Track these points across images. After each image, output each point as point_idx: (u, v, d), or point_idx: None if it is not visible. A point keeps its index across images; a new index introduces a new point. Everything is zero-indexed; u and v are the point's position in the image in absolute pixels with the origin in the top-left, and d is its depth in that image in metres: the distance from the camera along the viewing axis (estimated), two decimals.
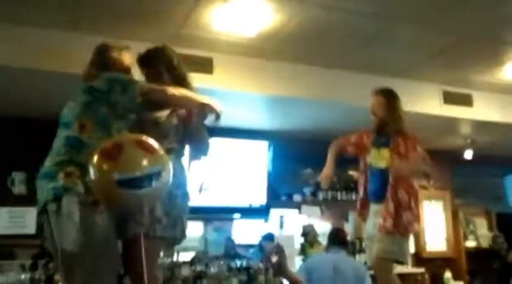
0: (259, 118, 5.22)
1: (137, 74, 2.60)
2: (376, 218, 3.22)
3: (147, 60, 2.60)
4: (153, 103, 2.43)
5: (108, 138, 2.20)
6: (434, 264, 6.25)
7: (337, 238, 4.38)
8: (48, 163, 2.23)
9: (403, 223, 3.09)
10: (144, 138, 2.17)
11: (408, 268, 6.04)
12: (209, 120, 2.53)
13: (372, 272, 4.14)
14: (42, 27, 3.62)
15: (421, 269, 6.09)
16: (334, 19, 3.63)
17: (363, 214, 3.43)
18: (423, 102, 5.01)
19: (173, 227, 2.43)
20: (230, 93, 4.22)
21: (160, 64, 2.57)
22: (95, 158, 2.05)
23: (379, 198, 3.20)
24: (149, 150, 2.14)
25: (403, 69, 4.66)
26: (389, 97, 3.34)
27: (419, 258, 6.32)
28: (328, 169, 3.40)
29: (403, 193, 3.13)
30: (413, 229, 3.18)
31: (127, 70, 2.53)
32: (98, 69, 2.45)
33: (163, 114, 2.55)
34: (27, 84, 3.96)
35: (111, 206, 2.21)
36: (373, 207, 3.28)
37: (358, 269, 4.41)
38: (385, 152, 3.27)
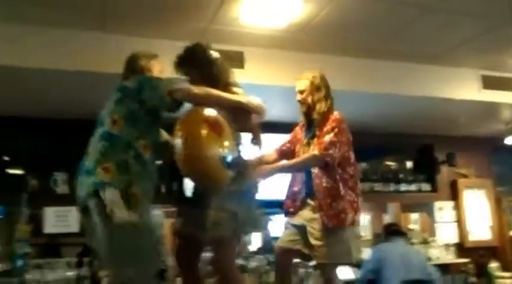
0: (294, 111, 5.19)
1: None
2: (312, 214, 2.97)
3: (183, 62, 2.62)
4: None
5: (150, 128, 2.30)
6: (478, 254, 6.09)
7: (396, 229, 4.69)
8: (86, 160, 2.30)
9: (335, 213, 2.85)
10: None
11: (451, 258, 5.94)
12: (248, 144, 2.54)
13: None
14: (73, 30, 3.70)
15: (465, 259, 5.95)
16: (365, 7, 3.58)
17: (291, 212, 3.11)
18: (461, 88, 4.88)
19: (254, 224, 2.51)
20: (262, 86, 4.21)
21: (196, 65, 2.59)
22: (200, 128, 2.10)
23: (312, 191, 2.97)
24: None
25: (438, 55, 4.55)
26: (311, 79, 3.06)
27: (462, 248, 6.18)
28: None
29: (330, 182, 2.89)
30: (350, 219, 2.90)
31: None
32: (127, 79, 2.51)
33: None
34: (64, 85, 4.07)
35: (200, 182, 2.28)
36: (310, 202, 3.01)
37: (420, 254, 4.70)
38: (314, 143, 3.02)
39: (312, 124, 3.07)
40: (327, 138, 2.88)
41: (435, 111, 5.30)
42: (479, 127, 6.16)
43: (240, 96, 2.48)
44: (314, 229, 2.92)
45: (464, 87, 4.91)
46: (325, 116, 3.00)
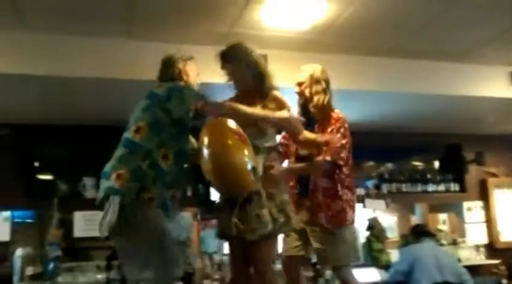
0: None
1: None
2: (309, 215, 2.92)
3: (225, 57, 2.66)
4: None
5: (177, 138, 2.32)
6: (510, 254, 5.96)
7: (425, 230, 4.72)
8: (108, 163, 2.36)
9: (334, 214, 2.83)
10: None
11: (482, 259, 5.82)
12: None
13: None
14: (98, 37, 3.77)
15: (496, 261, 5.82)
16: (389, 5, 3.54)
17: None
18: (489, 85, 4.79)
19: (288, 223, 2.52)
20: (287, 89, 4.20)
21: (238, 62, 2.63)
22: (227, 136, 2.15)
23: (308, 190, 2.92)
24: None
25: (465, 53, 4.47)
26: (311, 72, 3.00)
27: (493, 249, 6.05)
28: None
29: (329, 182, 2.85)
30: (349, 218, 2.88)
31: (191, 80, 2.61)
32: (164, 81, 2.55)
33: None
34: (91, 93, 4.15)
35: (227, 190, 2.31)
36: (305, 202, 2.96)
37: (451, 256, 4.70)
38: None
39: (309, 117, 2.98)
40: (336, 140, 2.85)
41: (462, 110, 5.21)
42: (508, 125, 6.04)
43: (267, 111, 2.51)
44: (315, 231, 2.90)
45: (492, 85, 4.81)
46: (326, 112, 2.95)
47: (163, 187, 2.33)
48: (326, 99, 2.95)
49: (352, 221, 2.95)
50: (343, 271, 2.95)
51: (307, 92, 2.99)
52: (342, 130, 2.88)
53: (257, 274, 2.50)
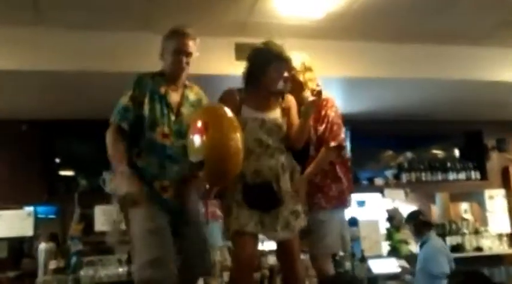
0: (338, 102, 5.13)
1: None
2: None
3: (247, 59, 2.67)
4: None
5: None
6: None
7: (429, 220, 4.56)
8: None
9: (335, 195, 2.77)
10: None
11: (505, 249, 5.74)
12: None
13: None
14: (116, 31, 3.81)
15: None
16: None
17: None
18: (509, 69, 4.69)
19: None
20: None
21: (251, 64, 2.64)
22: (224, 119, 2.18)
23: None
24: None
25: (483, 36, 4.38)
26: (302, 60, 2.89)
27: None
28: None
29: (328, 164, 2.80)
30: (347, 200, 2.84)
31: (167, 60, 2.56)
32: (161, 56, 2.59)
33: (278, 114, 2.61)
34: (109, 87, 4.13)
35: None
36: None
37: None
38: None
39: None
40: (333, 122, 2.81)
41: (482, 95, 5.11)
42: None
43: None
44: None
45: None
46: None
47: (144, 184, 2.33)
48: (319, 87, 2.83)
49: (348, 203, 2.90)
50: (327, 260, 2.82)
51: (301, 78, 2.89)
52: (334, 109, 2.85)
53: (292, 269, 2.50)
